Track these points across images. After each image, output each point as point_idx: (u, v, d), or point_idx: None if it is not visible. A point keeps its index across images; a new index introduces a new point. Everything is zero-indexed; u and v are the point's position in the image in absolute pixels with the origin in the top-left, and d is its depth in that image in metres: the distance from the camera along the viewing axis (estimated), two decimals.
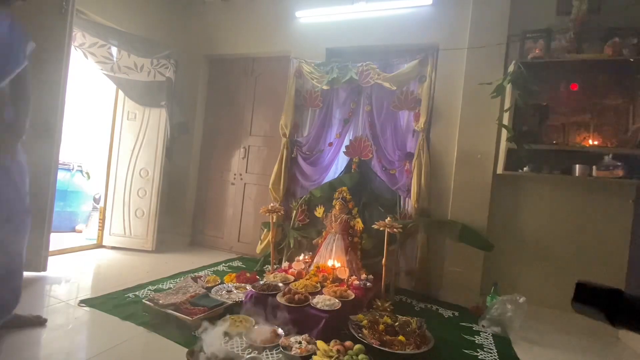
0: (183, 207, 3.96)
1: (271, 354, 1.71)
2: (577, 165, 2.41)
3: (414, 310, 2.51)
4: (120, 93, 3.42)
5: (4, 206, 1.58)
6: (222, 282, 2.56)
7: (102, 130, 3.81)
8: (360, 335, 1.85)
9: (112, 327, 1.85)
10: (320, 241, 2.87)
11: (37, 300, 2.12)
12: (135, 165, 3.42)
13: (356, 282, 2.40)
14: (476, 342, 2.08)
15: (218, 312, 2.04)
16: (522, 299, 2.24)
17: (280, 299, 2.06)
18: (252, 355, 1.68)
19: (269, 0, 3.60)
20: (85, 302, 2.10)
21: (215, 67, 4.01)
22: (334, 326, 1.93)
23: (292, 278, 2.45)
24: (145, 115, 3.42)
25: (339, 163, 3.24)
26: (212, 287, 2.43)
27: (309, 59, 3.27)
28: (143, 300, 2.05)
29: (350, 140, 3.15)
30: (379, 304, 2.32)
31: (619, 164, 2.29)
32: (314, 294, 2.17)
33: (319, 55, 3.31)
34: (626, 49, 2.30)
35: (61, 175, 3.76)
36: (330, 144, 3.20)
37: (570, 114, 2.57)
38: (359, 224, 2.77)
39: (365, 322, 1.95)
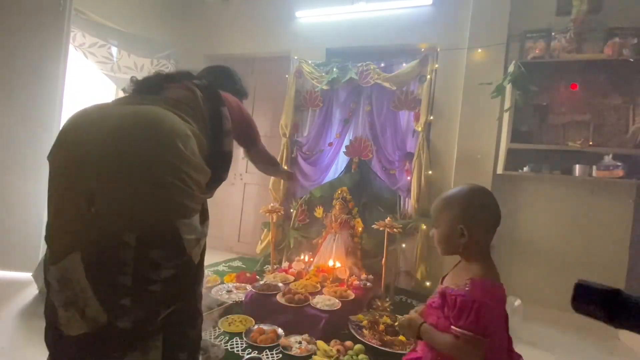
0: None
1: (271, 354, 1.71)
2: (577, 165, 2.41)
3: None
4: (120, 93, 3.41)
5: None
6: (222, 282, 2.57)
7: None
8: (360, 335, 1.85)
9: None
10: (320, 241, 2.87)
11: (33, 301, 2.11)
12: None
13: (356, 282, 2.40)
14: None
15: (218, 312, 2.04)
16: (517, 302, 2.23)
17: (280, 299, 2.06)
18: (252, 355, 1.68)
19: (269, 0, 3.60)
20: None
21: None
22: (334, 326, 1.93)
23: (292, 278, 2.45)
24: None
25: (339, 163, 3.23)
26: (212, 287, 2.43)
27: (309, 59, 3.27)
28: None
29: (350, 140, 3.14)
30: (379, 304, 2.32)
31: (619, 164, 2.29)
32: (314, 294, 2.17)
33: (319, 55, 3.31)
34: (626, 49, 2.30)
35: None
36: (330, 144, 3.20)
37: (570, 114, 2.57)
38: (359, 224, 2.77)
39: (365, 322, 1.95)
